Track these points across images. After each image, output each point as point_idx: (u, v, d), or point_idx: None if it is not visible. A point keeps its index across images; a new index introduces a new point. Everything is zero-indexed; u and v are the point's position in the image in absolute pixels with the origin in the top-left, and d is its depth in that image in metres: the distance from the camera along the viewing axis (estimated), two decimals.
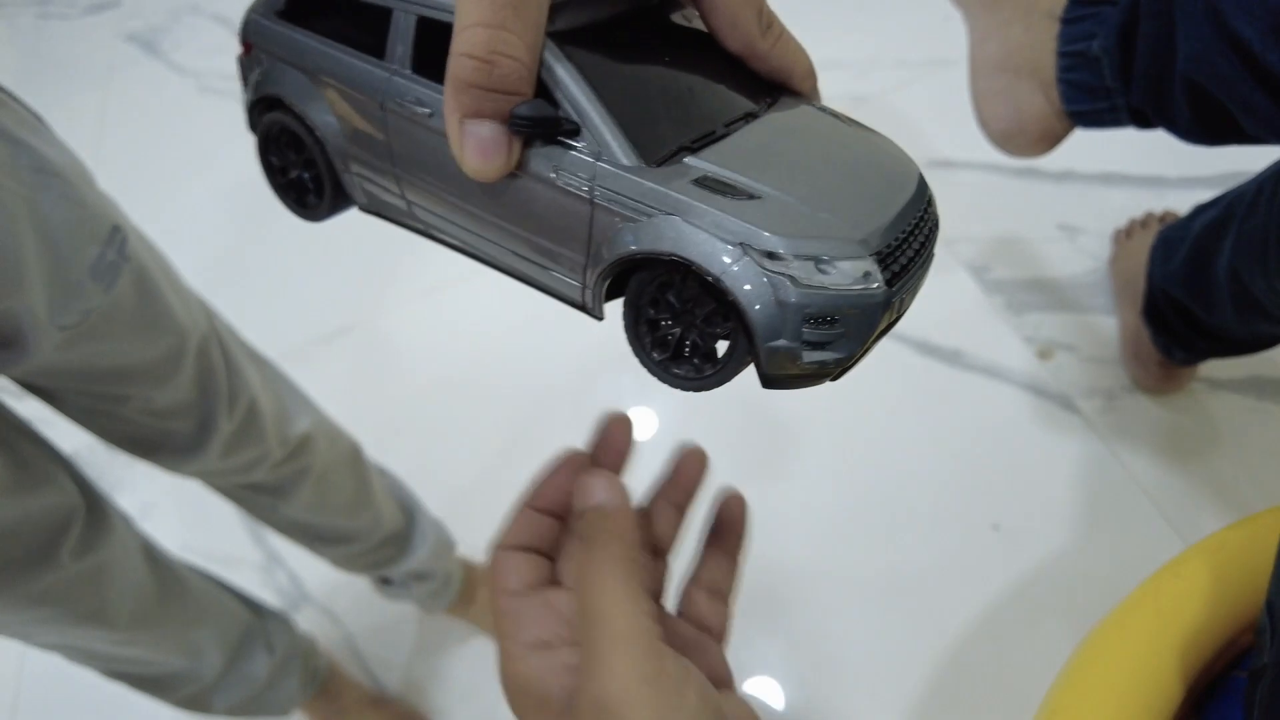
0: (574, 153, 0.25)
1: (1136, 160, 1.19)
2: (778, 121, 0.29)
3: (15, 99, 0.49)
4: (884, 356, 1.09)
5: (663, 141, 0.26)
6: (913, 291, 0.28)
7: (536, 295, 0.31)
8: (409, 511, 0.89)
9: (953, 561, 0.95)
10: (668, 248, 0.25)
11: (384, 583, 0.93)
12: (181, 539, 1.21)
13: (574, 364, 1.20)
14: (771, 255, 0.24)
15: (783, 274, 0.24)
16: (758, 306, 0.24)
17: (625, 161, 0.25)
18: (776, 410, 1.10)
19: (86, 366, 0.55)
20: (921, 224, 0.28)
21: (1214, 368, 1.00)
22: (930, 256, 0.28)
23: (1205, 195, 0.88)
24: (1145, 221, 1.10)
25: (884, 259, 0.25)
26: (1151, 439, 0.99)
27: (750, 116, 0.29)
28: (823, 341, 0.25)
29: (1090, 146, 1.22)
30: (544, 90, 0.26)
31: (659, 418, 1.14)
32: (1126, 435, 0.99)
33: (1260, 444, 0.97)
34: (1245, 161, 0.88)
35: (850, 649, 0.93)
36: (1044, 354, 1.07)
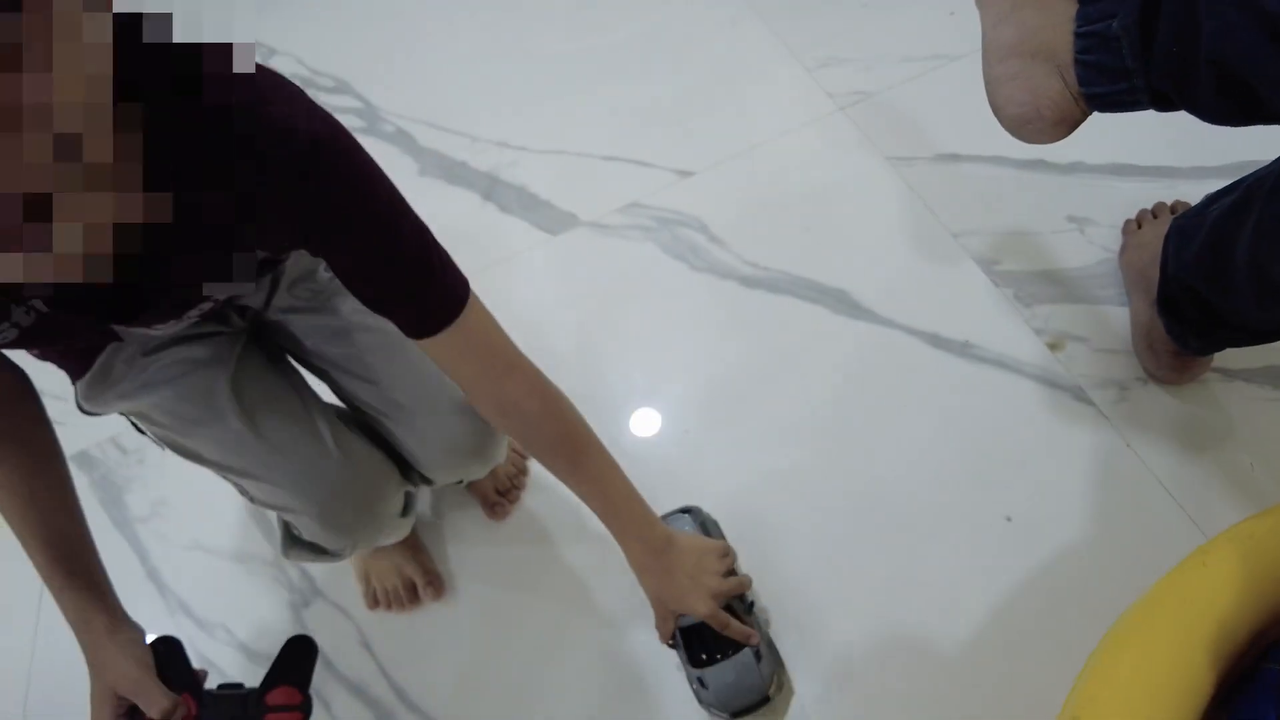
0: None
1: (1146, 151, 1.19)
2: None
3: None
4: (895, 349, 1.10)
5: None
6: None
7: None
8: None
9: (965, 553, 0.95)
10: None
11: None
12: (192, 535, 1.22)
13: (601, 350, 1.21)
14: None
15: None
16: None
17: None
18: (784, 401, 1.10)
19: None
20: None
21: (1228, 357, 0.99)
22: None
23: (1216, 185, 0.87)
24: (1156, 211, 1.09)
25: None
26: (1166, 430, 0.98)
27: None
28: None
29: (1098, 137, 1.21)
30: None
31: (662, 417, 1.14)
32: (1140, 426, 0.99)
33: (1276, 434, 0.96)
34: (1256, 151, 0.88)
35: (861, 643, 0.92)
36: (1055, 345, 1.07)
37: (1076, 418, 1.01)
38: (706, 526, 0.94)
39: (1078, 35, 0.61)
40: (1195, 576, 0.57)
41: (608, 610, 1.01)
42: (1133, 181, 1.17)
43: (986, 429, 1.02)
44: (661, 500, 1.05)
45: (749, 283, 1.22)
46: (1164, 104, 0.61)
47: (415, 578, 1.04)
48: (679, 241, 1.29)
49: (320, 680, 1.04)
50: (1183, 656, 0.55)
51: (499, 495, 1.09)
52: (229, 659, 1.10)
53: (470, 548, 1.09)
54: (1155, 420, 0.99)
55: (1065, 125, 0.70)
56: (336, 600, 1.10)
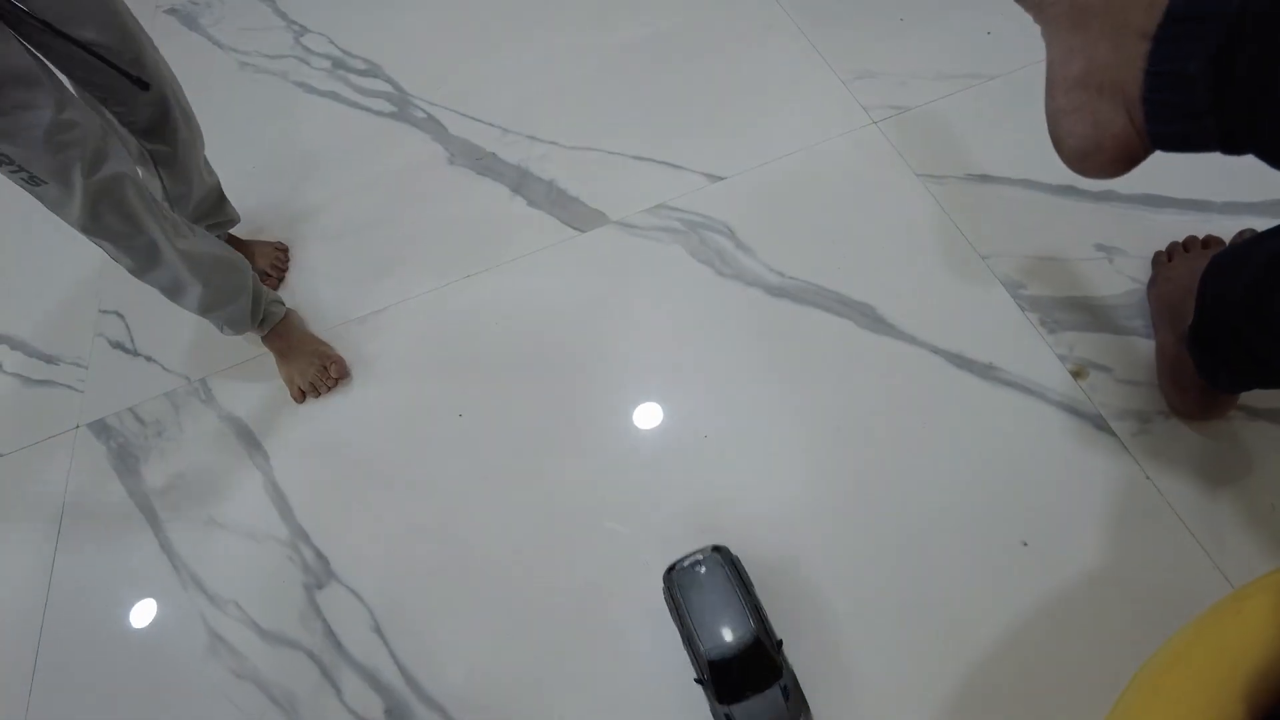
0: None
1: (1179, 183, 1.19)
2: None
3: None
4: (918, 367, 1.10)
5: None
6: None
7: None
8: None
9: (980, 576, 0.95)
10: None
11: None
12: (208, 510, 1.23)
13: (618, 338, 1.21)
14: None
15: None
16: None
17: None
18: (805, 413, 1.10)
19: None
20: None
21: (1254, 396, 0.99)
22: None
23: (1249, 221, 0.87)
24: (1187, 245, 1.09)
25: None
26: (1186, 465, 0.98)
27: None
28: None
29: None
30: None
31: (679, 420, 1.15)
32: (1160, 459, 0.99)
33: None
34: None
35: (874, 664, 0.93)
36: (1078, 373, 1.07)
37: (1096, 447, 1.01)
38: (737, 566, 0.94)
39: (1149, 73, 0.60)
40: (1231, 625, 0.57)
41: (624, 608, 1.01)
42: (1165, 213, 1.17)
43: (1006, 452, 1.03)
44: (672, 500, 1.06)
45: (775, 292, 1.23)
46: (1232, 147, 0.61)
47: (324, 364, 1.29)
48: (706, 246, 1.30)
49: (331, 663, 1.05)
50: (1217, 706, 0.54)
51: (266, 273, 1.42)
52: (239, 635, 1.11)
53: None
54: (1176, 454, 0.99)
55: (1125, 162, 0.69)
56: (351, 584, 1.11)
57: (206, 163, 1.33)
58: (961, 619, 0.93)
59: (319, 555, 1.15)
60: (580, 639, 1.00)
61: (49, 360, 1.53)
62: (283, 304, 1.34)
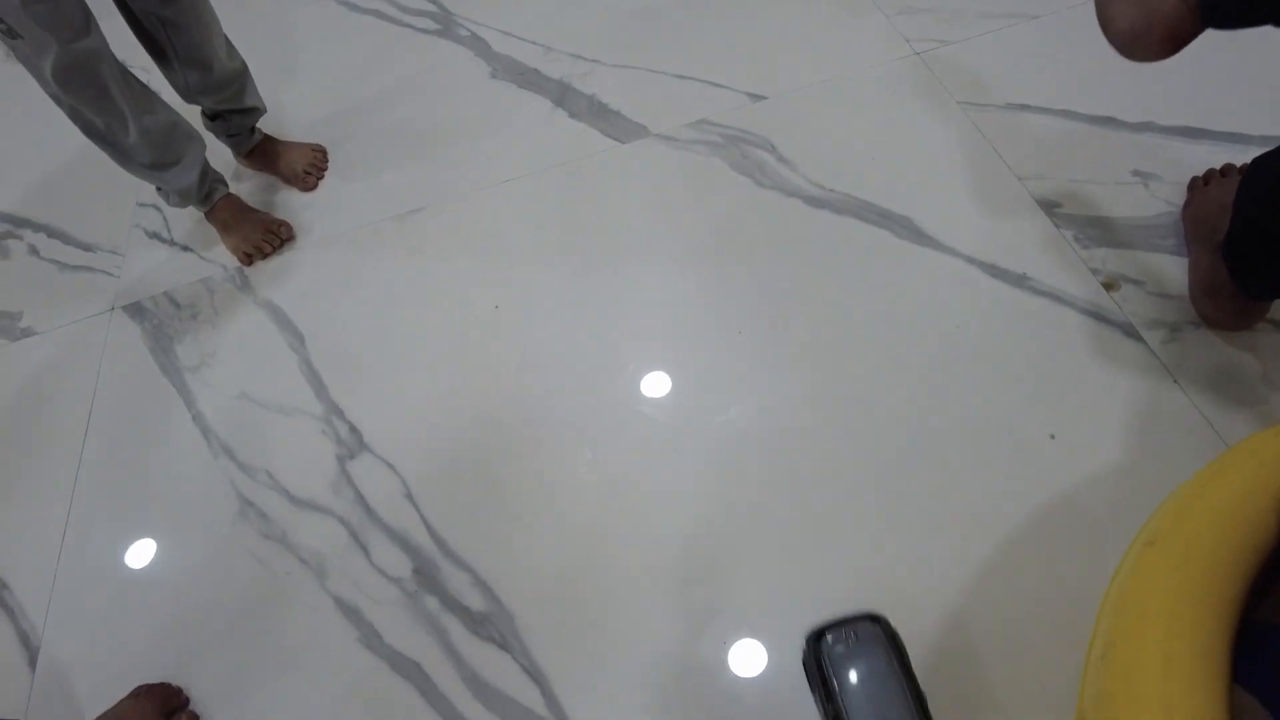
0: None
1: (1218, 115, 1.21)
2: None
3: None
4: (954, 276, 1.12)
5: None
6: None
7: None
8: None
9: (1005, 466, 0.97)
10: None
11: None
12: (241, 387, 1.24)
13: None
14: None
15: None
16: None
17: None
18: (841, 317, 1.12)
19: None
20: None
21: None
22: None
23: None
24: (1224, 171, 1.11)
25: None
26: (1214, 372, 1.00)
27: None
28: None
29: (1171, 98, 1.24)
30: None
31: (715, 317, 1.16)
32: (1188, 367, 1.01)
33: None
34: None
35: (897, 547, 0.94)
36: (1110, 285, 1.09)
37: (1125, 353, 1.03)
38: (898, 643, 0.81)
39: None
40: (1272, 443, 0.58)
41: (651, 488, 1.03)
42: (1202, 144, 1.19)
43: (1036, 355, 1.04)
44: (700, 394, 1.07)
45: (814, 202, 1.24)
46: None
47: (269, 228, 1.40)
48: (747, 159, 1.32)
49: (360, 527, 1.07)
50: (1252, 518, 0.56)
51: (305, 173, 1.48)
52: (269, 501, 1.13)
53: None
54: (1205, 363, 1.01)
55: (1175, 41, 0.70)
56: (384, 455, 1.13)
57: (230, 46, 1.35)
58: (984, 506, 0.95)
59: (353, 429, 1.17)
60: (605, 523, 1.02)
61: (86, 248, 1.55)
62: (226, 184, 1.42)
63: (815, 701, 0.81)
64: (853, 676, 0.77)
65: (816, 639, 0.80)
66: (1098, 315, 1.07)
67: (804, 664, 0.84)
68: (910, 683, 0.77)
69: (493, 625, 0.96)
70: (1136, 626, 0.46)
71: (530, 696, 0.91)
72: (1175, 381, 1.00)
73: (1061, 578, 0.89)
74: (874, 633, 0.79)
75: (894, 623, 0.80)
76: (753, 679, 0.88)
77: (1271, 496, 0.54)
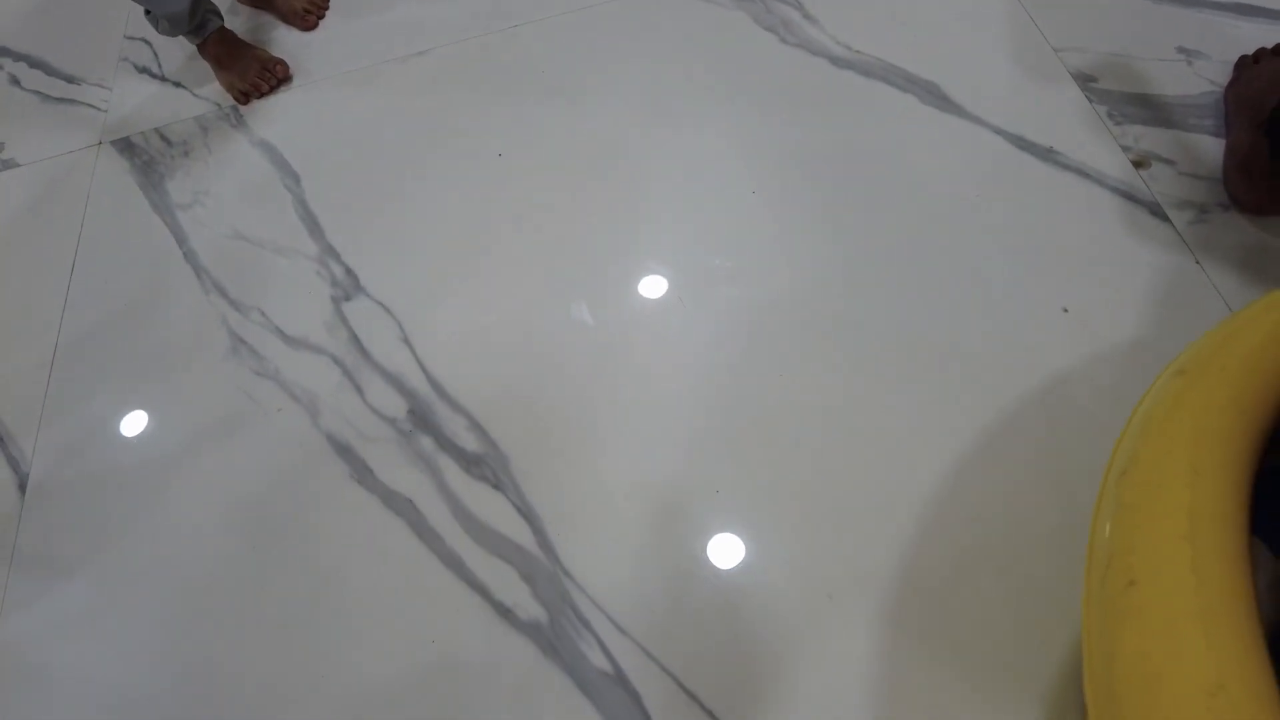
0: None
1: None
2: None
3: None
4: (979, 145, 1.07)
5: None
6: None
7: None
8: None
9: (1016, 334, 0.95)
10: None
11: None
12: (234, 225, 1.20)
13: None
14: None
15: None
16: None
17: None
18: (862, 180, 1.08)
19: None
20: None
21: None
22: None
23: None
24: (1276, 50, 1.05)
25: None
26: (1238, 256, 0.97)
27: None
28: None
29: None
30: None
31: (729, 178, 1.12)
32: (1213, 249, 0.98)
33: None
34: None
35: (903, 412, 0.93)
36: (1140, 163, 1.05)
37: (1150, 232, 1.00)
38: None
39: None
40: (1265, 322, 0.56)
41: (648, 347, 1.01)
42: (1255, 22, 1.13)
43: (1057, 228, 1.01)
44: (725, 256, 1.04)
45: (839, 63, 1.18)
46: None
47: (264, 66, 1.33)
48: (772, 14, 1.25)
49: (355, 367, 1.05)
50: (1245, 391, 0.54)
51: (305, 10, 1.42)
52: (262, 339, 1.10)
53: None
54: (1229, 246, 0.98)
55: None
56: (380, 298, 1.10)
57: None
58: (993, 373, 0.93)
59: (349, 272, 1.13)
60: (605, 374, 1.00)
61: (70, 80, 1.48)
62: (220, 16, 1.34)
63: None
64: None
65: None
66: (1125, 193, 1.03)
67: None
68: None
69: (487, 466, 0.96)
70: (1161, 442, 0.45)
71: (522, 533, 0.91)
72: (1197, 262, 0.97)
73: (1062, 447, 0.88)
74: None
75: (894, 485, 0.79)
76: (743, 539, 0.88)
77: None
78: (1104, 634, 0.38)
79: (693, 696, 0.80)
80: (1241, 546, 0.40)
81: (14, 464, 1.07)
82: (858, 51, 1.19)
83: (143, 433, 1.06)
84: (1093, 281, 0.97)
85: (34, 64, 1.52)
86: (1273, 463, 0.55)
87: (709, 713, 0.79)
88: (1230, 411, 0.47)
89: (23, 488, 1.05)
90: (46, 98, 1.47)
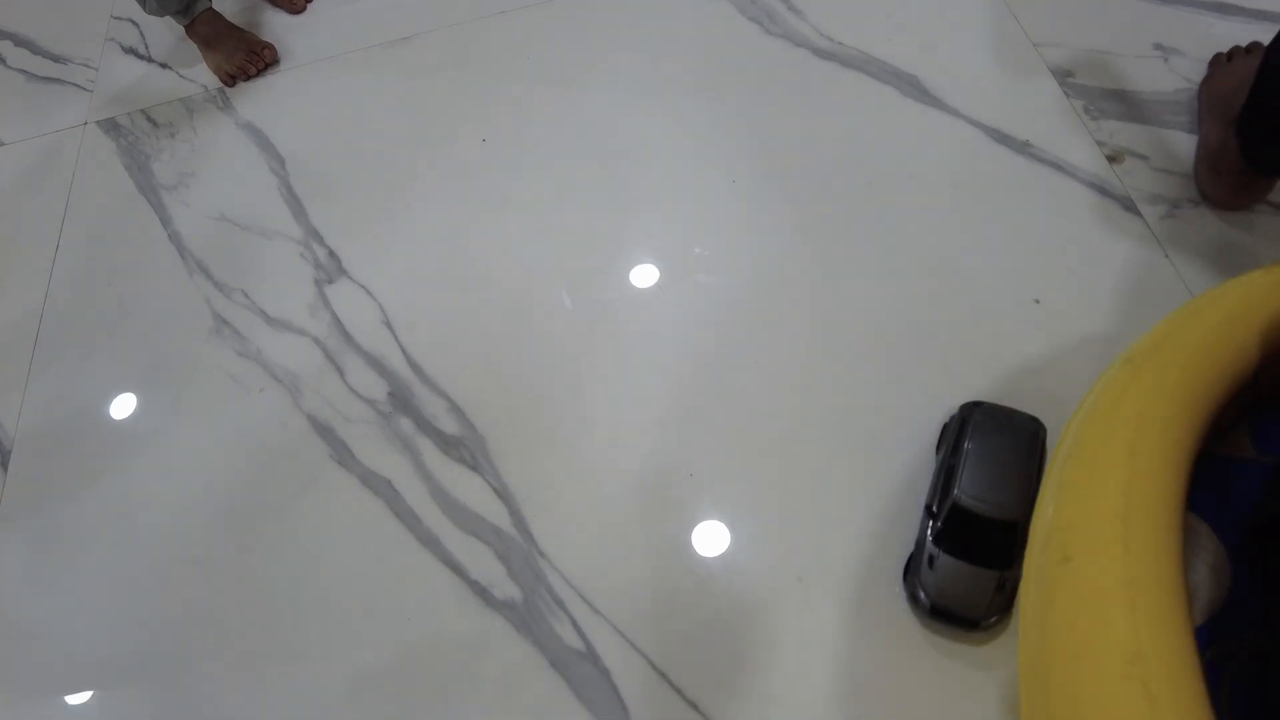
0: None
1: None
2: None
3: None
4: (956, 137, 1.09)
5: None
6: None
7: None
8: None
9: (987, 324, 0.96)
10: None
11: None
12: (218, 207, 1.21)
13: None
14: None
15: None
16: None
17: None
18: (839, 171, 1.09)
19: None
20: None
21: None
22: None
23: None
24: (1250, 48, 1.07)
25: None
26: (1207, 250, 0.99)
27: None
28: None
29: None
30: None
31: (712, 168, 1.13)
32: (1183, 243, 1.00)
33: None
34: None
35: (877, 398, 0.94)
36: (1114, 158, 1.06)
37: (1121, 226, 1.01)
38: (1043, 449, 0.81)
39: None
40: (1260, 279, 0.58)
41: (636, 326, 1.02)
42: (1231, 20, 1.14)
43: (1030, 220, 1.03)
44: (705, 243, 1.05)
45: (822, 54, 1.19)
46: None
47: (252, 49, 1.34)
48: (755, 4, 1.26)
49: (337, 349, 1.06)
50: (1238, 342, 0.55)
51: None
52: (244, 320, 1.11)
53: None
54: (1199, 240, 0.99)
55: None
56: (362, 282, 1.11)
57: None
58: (961, 361, 0.94)
59: (332, 254, 1.14)
60: (584, 358, 1.01)
61: (56, 60, 1.48)
62: None
63: (936, 458, 0.86)
64: (986, 444, 0.79)
65: (973, 406, 0.84)
66: (1098, 187, 1.04)
67: (944, 425, 0.87)
68: (1033, 483, 0.76)
69: (465, 448, 0.97)
70: (1104, 426, 0.46)
71: (497, 514, 0.92)
72: (1167, 256, 0.99)
73: None
74: (1027, 427, 0.81)
75: (866, 470, 0.80)
76: (715, 522, 0.90)
77: (1257, 324, 0.53)
78: (1038, 607, 0.39)
79: (663, 675, 0.82)
80: (1175, 524, 0.42)
81: None
82: (840, 43, 1.20)
83: (124, 410, 1.07)
84: (1064, 273, 0.99)
85: (20, 42, 1.52)
86: (1216, 449, 0.57)
87: (678, 690, 0.81)
88: (1173, 398, 0.49)
89: (5, 464, 1.06)
90: (32, 76, 1.47)
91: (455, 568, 0.90)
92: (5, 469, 1.06)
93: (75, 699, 0.90)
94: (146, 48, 1.45)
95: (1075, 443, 0.46)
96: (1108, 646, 0.34)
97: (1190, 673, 0.34)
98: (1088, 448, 0.45)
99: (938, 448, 0.87)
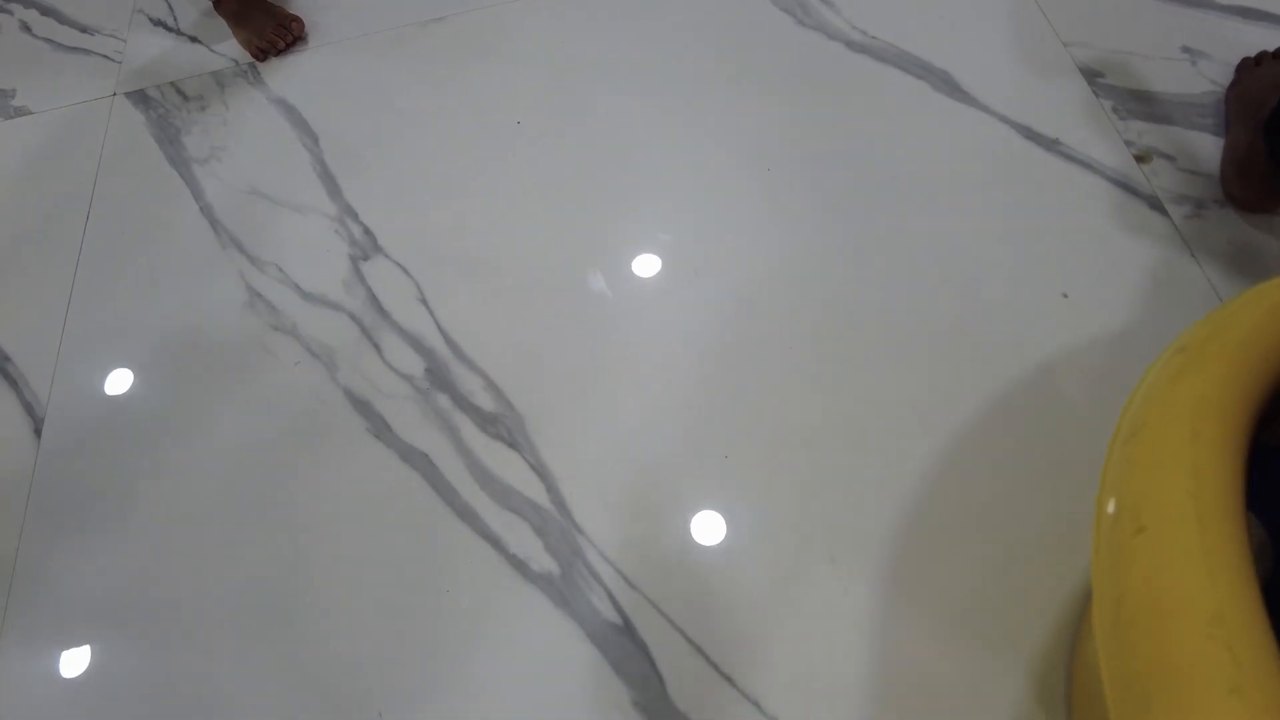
0: None
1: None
2: None
3: None
4: (986, 133, 1.10)
5: None
6: None
7: None
8: None
9: (1017, 316, 0.99)
10: None
11: None
12: (251, 181, 1.21)
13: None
14: None
15: None
16: None
17: None
18: (870, 164, 1.11)
19: None
20: None
21: None
22: None
23: None
24: (1277, 53, 1.09)
25: None
26: (1232, 251, 1.01)
27: None
28: None
29: None
30: None
31: (740, 155, 1.14)
32: (1208, 243, 1.02)
33: None
34: None
35: (900, 387, 0.96)
36: (1142, 158, 1.08)
37: (1148, 224, 1.04)
38: None
39: None
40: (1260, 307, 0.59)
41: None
42: (1259, 26, 1.17)
43: (1060, 218, 1.05)
44: (739, 230, 1.07)
45: (855, 47, 1.21)
46: None
47: (280, 22, 1.34)
48: None
49: (373, 325, 1.07)
50: (1244, 365, 0.57)
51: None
52: (279, 294, 1.12)
53: None
54: (1224, 240, 1.02)
55: None
56: (398, 259, 1.12)
57: None
58: (991, 352, 0.97)
59: (367, 231, 1.15)
60: (620, 338, 1.03)
61: (83, 30, 1.48)
62: None
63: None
64: None
65: None
66: (1125, 186, 1.06)
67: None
68: None
69: (503, 425, 0.98)
70: (1166, 409, 0.48)
71: (535, 490, 0.94)
72: (1193, 256, 1.01)
73: (1056, 426, 0.92)
74: None
75: (895, 454, 0.82)
76: (749, 503, 0.92)
77: None
78: (1113, 576, 0.41)
79: (698, 649, 0.84)
80: (1240, 507, 0.44)
81: (29, 409, 1.09)
82: (874, 37, 1.21)
83: (157, 380, 1.08)
84: (1091, 269, 1.01)
85: (45, 11, 1.52)
86: (1260, 437, 0.59)
87: (714, 665, 0.83)
88: (1227, 386, 0.51)
89: (38, 432, 1.07)
90: (59, 46, 1.46)
91: (493, 541, 0.92)
92: (39, 438, 1.07)
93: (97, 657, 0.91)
94: (175, 20, 1.45)
95: (1137, 425, 0.48)
96: (1191, 609, 0.36)
97: (1267, 636, 0.36)
98: (1150, 429, 0.47)
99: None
